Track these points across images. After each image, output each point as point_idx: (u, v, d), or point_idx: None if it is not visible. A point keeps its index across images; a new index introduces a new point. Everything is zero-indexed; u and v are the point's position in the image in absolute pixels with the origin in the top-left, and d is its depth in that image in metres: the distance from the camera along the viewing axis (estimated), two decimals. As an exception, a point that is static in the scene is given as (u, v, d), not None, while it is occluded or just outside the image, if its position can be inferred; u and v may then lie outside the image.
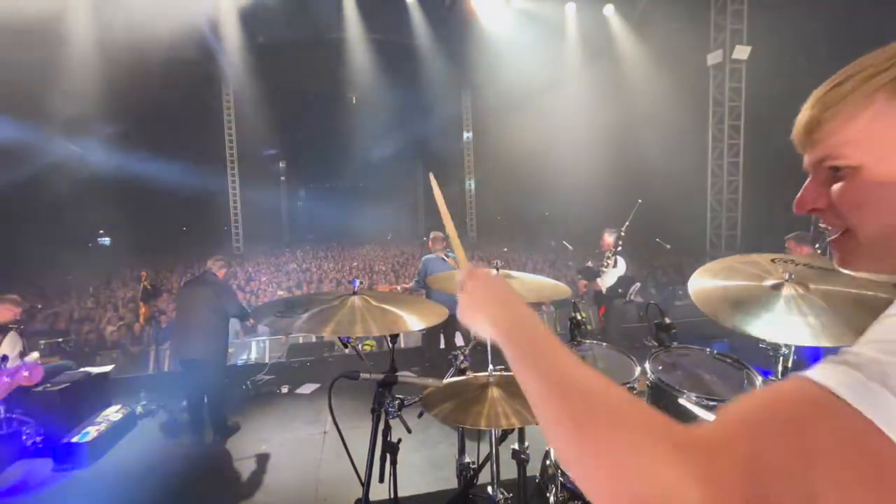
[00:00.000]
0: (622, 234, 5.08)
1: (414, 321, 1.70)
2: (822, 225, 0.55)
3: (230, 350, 5.71)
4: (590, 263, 5.95)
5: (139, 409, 4.71)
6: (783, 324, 1.58)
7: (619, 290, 5.22)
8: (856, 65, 0.48)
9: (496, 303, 0.65)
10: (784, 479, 0.35)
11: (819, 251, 1.38)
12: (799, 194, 0.54)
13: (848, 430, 0.35)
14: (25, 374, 4.09)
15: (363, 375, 1.67)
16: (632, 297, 5.32)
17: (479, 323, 0.67)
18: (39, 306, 8.16)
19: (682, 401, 1.72)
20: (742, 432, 0.38)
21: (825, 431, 0.36)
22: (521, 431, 2.09)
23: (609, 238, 5.26)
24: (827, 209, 0.51)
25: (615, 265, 5.17)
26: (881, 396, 0.35)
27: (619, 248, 5.13)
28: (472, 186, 18.62)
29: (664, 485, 0.37)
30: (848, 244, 0.51)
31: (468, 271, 0.73)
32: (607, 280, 5.20)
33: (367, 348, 6.62)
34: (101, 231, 16.35)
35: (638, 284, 5.49)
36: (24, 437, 4.12)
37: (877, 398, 0.35)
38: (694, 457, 0.38)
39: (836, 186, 0.49)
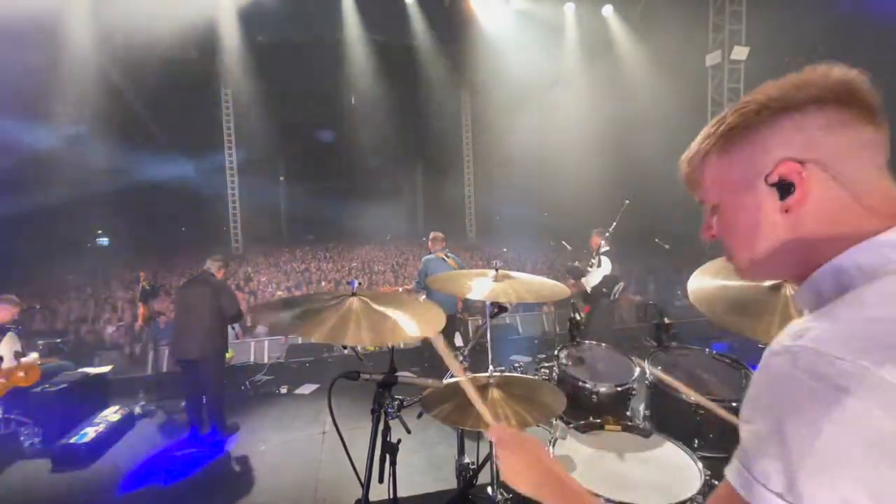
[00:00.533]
0: (607, 234, 5.17)
1: (412, 327, 1.67)
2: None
3: (231, 353, 5.70)
4: (576, 263, 6.06)
5: (138, 410, 4.71)
6: (784, 324, 1.57)
7: (604, 290, 5.30)
8: (701, 133, 0.66)
9: (530, 471, 0.82)
10: None
11: None
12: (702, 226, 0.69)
13: None
14: (21, 375, 4.08)
15: (363, 376, 1.66)
16: (615, 296, 5.41)
17: (520, 486, 0.82)
18: (38, 306, 8.14)
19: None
20: None
21: None
22: (521, 432, 2.08)
23: (597, 239, 5.35)
24: (718, 236, 0.67)
25: (599, 265, 5.27)
26: (751, 483, 0.47)
27: (605, 249, 5.22)
28: (472, 186, 18.62)
29: None
30: (734, 264, 0.67)
31: (497, 436, 0.88)
32: (591, 280, 5.31)
33: (369, 349, 6.61)
34: (100, 231, 16.29)
35: (622, 284, 5.56)
36: (22, 438, 4.11)
37: (749, 484, 0.47)
38: None
39: (714, 220, 0.66)
